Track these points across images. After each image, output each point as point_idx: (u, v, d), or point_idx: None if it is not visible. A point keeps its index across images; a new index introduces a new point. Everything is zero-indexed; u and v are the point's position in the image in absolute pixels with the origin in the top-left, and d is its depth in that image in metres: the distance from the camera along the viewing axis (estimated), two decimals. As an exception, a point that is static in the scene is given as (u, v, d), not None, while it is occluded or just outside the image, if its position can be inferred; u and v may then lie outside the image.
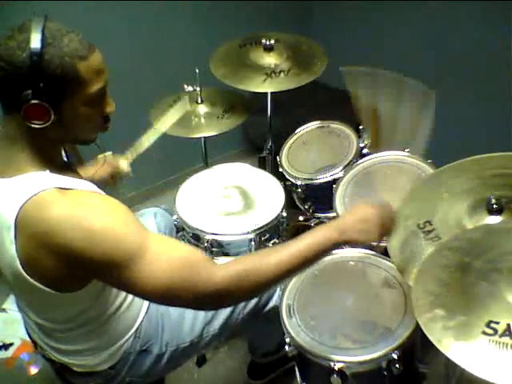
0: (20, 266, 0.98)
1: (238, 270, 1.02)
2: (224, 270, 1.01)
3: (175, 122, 1.83)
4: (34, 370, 1.93)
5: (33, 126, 0.96)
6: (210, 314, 1.39)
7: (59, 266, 0.97)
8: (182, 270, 0.99)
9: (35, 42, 0.93)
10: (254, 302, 1.46)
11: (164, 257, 0.99)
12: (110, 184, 1.54)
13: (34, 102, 0.94)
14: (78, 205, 0.97)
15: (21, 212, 0.95)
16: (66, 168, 1.12)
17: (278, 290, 1.51)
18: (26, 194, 0.96)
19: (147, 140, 1.68)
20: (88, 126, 1.06)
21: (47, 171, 1.01)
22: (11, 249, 0.97)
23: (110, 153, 1.55)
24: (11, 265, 0.99)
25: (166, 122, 1.81)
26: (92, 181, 1.10)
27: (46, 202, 0.95)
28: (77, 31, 0.99)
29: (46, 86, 0.94)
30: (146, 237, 1.00)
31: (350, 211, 1.19)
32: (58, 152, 1.11)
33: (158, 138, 1.71)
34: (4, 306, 2.14)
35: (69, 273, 1.00)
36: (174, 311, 1.36)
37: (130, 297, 1.24)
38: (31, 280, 0.99)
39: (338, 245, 1.09)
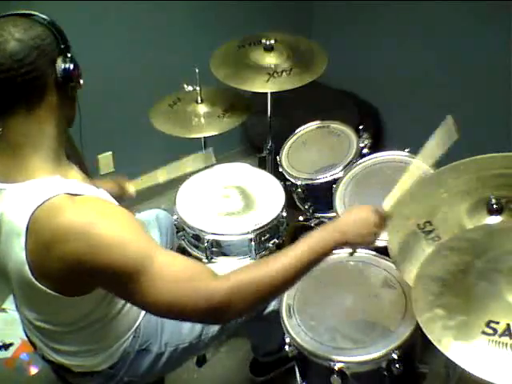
0: (29, 271, 0.98)
1: (240, 280, 1.00)
2: (225, 282, 0.99)
3: (193, 169, 1.78)
4: (34, 370, 1.93)
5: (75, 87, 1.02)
6: None
7: (67, 272, 0.97)
8: (186, 284, 0.97)
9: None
10: None
11: (168, 270, 0.98)
12: None
13: (64, 66, 0.98)
14: (86, 212, 0.96)
15: (32, 218, 0.95)
16: (72, 167, 1.12)
17: None
18: (37, 200, 0.95)
19: (161, 175, 1.67)
20: None
21: (58, 176, 1.01)
22: (21, 254, 0.97)
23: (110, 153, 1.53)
24: (19, 270, 0.99)
25: (184, 167, 1.74)
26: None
27: (57, 208, 0.95)
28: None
29: (45, 58, 0.96)
30: (151, 248, 0.99)
31: (349, 212, 1.19)
32: (62, 149, 1.09)
33: (170, 179, 1.68)
34: (4, 306, 2.14)
35: (76, 279, 0.99)
36: None
37: None
38: (39, 285, 0.99)
39: (338, 246, 1.10)
